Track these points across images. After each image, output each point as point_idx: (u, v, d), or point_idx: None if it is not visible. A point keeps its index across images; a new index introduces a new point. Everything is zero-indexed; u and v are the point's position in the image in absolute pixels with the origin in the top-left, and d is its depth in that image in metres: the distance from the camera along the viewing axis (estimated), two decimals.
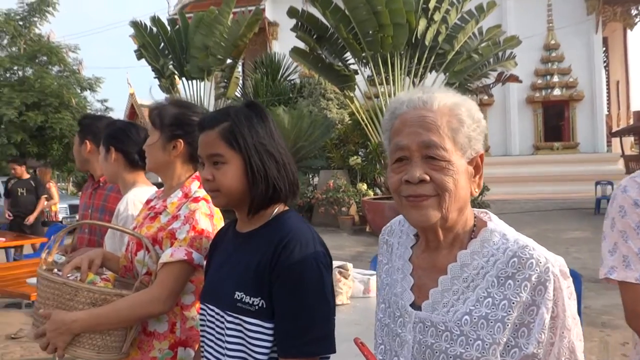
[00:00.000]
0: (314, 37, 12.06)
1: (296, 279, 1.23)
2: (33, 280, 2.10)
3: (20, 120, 18.46)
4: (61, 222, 8.08)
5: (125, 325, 1.54)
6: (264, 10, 16.95)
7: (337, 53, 12.10)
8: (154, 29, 14.45)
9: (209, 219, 1.65)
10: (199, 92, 14.89)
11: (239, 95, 16.66)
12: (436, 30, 11.32)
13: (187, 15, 15.27)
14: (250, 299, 1.25)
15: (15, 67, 19.83)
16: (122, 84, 31.30)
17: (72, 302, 1.46)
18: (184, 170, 1.76)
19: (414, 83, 11.92)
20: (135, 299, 1.52)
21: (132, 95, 26.83)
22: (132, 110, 27.11)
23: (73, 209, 13.93)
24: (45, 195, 7.64)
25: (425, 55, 11.55)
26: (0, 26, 19.95)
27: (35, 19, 20.92)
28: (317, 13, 11.83)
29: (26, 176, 7.92)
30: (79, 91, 21.38)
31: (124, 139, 2.16)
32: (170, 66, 14.74)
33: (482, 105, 18.77)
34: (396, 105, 1.09)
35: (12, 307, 6.09)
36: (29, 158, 19.12)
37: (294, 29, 12.19)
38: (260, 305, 1.25)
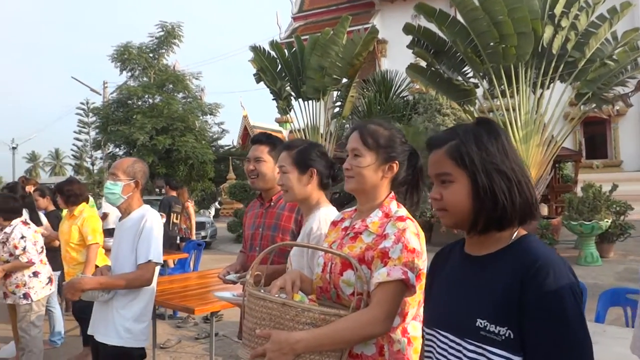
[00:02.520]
0: (431, 52, 11.86)
1: (553, 310, 1.12)
2: (221, 294, 2.15)
3: (151, 144, 20.08)
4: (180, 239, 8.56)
5: (345, 346, 1.52)
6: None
7: (455, 67, 11.79)
8: (272, 53, 15.01)
9: (417, 238, 1.63)
10: (314, 112, 15.21)
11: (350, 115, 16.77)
12: (564, 37, 10.65)
13: (303, 37, 15.72)
14: (495, 328, 1.17)
15: (147, 96, 21.65)
16: (235, 107, 33.17)
17: (293, 322, 1.46)
18: (385, 191, 1.77)
19: (539, 95, 11.27)
20: (355, 320, 1.49)
21: (245, 117, 28.24)
22: (245, 131, 28.51)
23: (199, 226, 14.79)
24: (161, 213, 8.01)
25: (553, 65, 10.88)
26: (134, 59, 21.95)
27: (163, 50, 22.80)
28: (433, 28, 11.64)
29: (171, 194, 8.51)
30: (200, 116, 22.89)
31: (322, 160, 2.19)
32: (287, 88, 15.20)
33: (613, 116, 17.33)
34: None
35: (156, 317, 6.50)
36: (158, 178, 20.69)
37: (410, 46, 12.08)
38: (507, 335, 1.15)
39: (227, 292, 2.15)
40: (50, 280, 4.57)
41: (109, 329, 2.76)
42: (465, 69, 11.85)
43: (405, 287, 1.55)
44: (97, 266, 4.29)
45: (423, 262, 1.63)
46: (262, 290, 1.64)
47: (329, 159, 2.26)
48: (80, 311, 4.57)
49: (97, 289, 2.71)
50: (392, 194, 1.78)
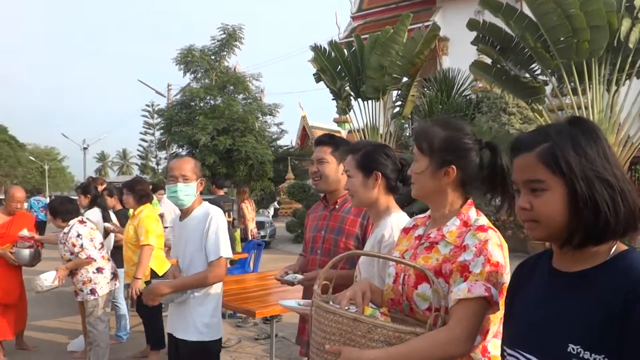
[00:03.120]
0: (497, 48, 11.41)
1: None
2: (287, 302, 2.06)
3: (213, 144, 20.54)
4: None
5: None
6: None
7: (523, 64, 11.29)
8: (332, 53, 14.94)
9: (501, 250, 1.48)
10: (373, 112, 15.02)
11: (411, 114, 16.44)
12: None
13: (362, 36, 15.55)
14: (591, 356, 1.03)
15: (208, 97, 22.15)
16: (294, 107, 33.49)
17: (365, 339, 1.35)
18: (455, 197, 1.62)
19: (614, 92, 10.59)
20: (433, 339, 1.37)
21: (303, 117, 28.35)
22: (304, 132, 28.63)
23: (258, 225, 14.96)
24: None
25: (629, 60, 10.21)
26: (196, 61, 22.51)
27: (224, 52, 23.26)
28: (499, 23, 11.20)
29: (219, 193, 8.65)
30: (260, 116, 23.21)
31: (387, 163, 2.08)
32: (347, 88, 15.09)
33: None
34: None
35: None
36: (218, 178, 21.12)
37: (474, 42, 11.69)
38: None
39: (293, 301, 2.06)
40: (114, 275, 4.68)
41: (188, 326, 2.85)
42: (533, 65, 11.33)
43: (487, 304, 1.42)
44: (152, 269, 4.41)
45: (507, 276, 1.48)
46: (331, 302, 1.54)
47: (396, 161, 2.13)
48: (149, 314, 4.67)
49: (174, 292, 2.80)
50: (470, 200, 1.64)
